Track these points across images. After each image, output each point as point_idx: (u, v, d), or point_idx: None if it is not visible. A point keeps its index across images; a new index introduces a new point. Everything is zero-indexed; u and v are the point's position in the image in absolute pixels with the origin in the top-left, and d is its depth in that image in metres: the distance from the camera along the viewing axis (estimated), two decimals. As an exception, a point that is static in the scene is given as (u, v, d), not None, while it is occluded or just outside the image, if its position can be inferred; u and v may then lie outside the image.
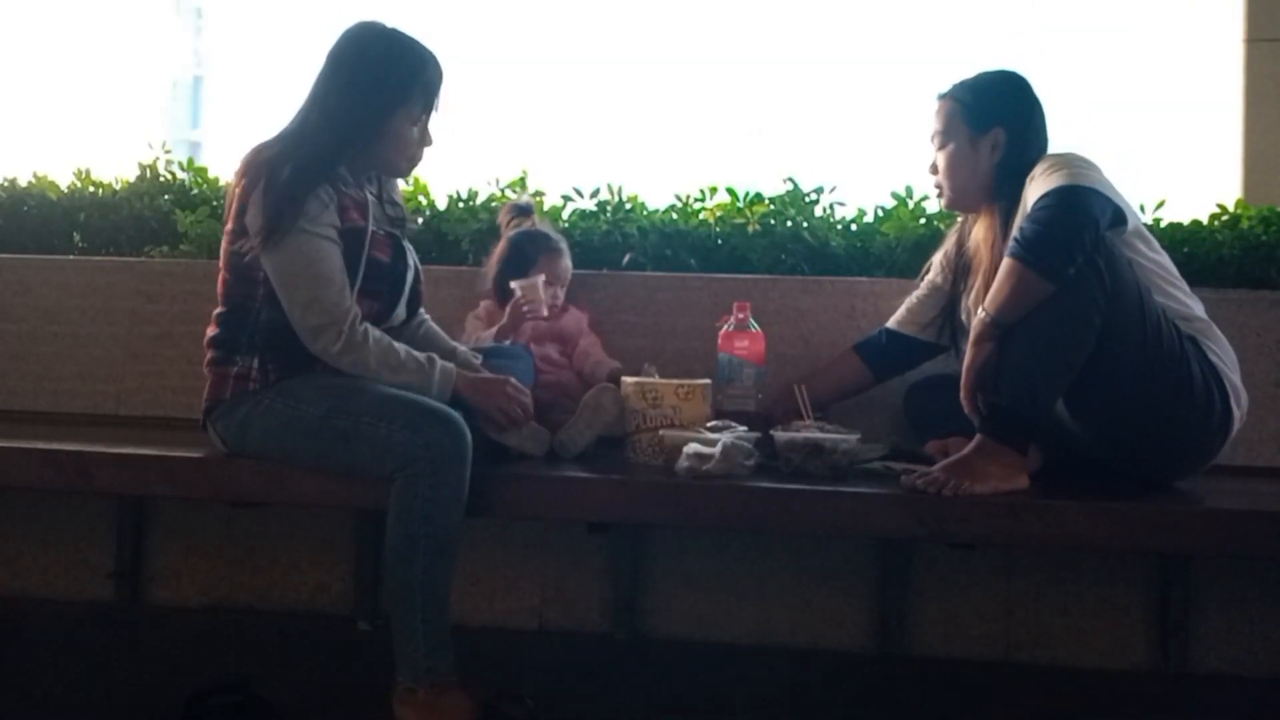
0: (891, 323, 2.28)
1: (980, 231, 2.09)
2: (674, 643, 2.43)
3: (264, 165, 1.87)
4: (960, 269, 2.17)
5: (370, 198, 1.98)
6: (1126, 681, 2.25)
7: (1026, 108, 2.07)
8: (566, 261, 2.40)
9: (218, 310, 1.97)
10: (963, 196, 2.11)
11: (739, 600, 2.44)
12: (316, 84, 1.95)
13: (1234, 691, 2.22)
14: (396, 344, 1.90)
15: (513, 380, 1.96)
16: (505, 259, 2.37)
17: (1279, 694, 2.22)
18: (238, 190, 1.91)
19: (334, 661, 2.24)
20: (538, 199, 2.76)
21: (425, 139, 2.00)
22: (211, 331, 1.96)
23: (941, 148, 2.11)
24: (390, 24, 1.98)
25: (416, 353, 1.91)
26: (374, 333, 1.88)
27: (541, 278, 2.25)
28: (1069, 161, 1.90)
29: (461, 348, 2.11)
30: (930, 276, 2.25)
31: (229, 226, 1.93)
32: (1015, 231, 1.86)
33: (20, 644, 2.31)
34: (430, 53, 1.98)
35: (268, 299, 1.90)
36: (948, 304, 2.20)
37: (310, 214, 1.85)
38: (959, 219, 2.25)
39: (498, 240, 2.44)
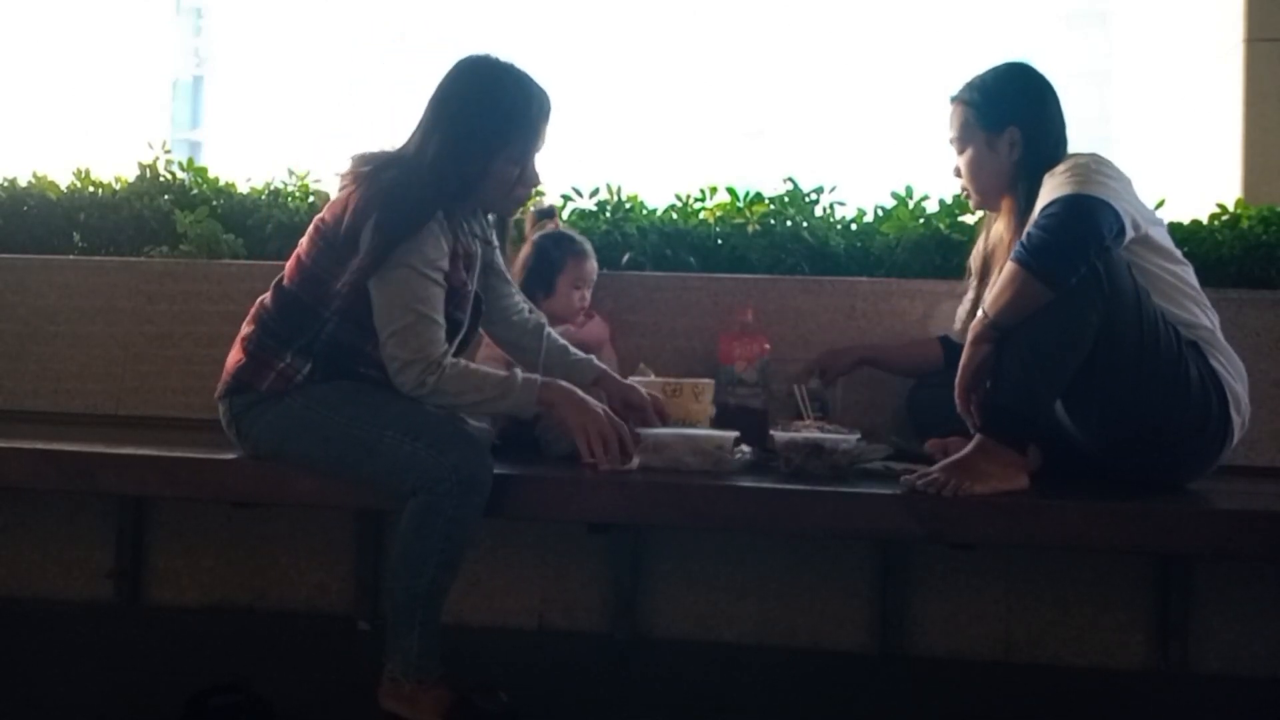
0: (954, 330, 2.28)
1: (1000, 227, 2.08)
2: (674, 643, 2.43)
3: (383, 191, 1.83)
4: (983, 265, 2.16)
5: (477, 249, 1.97)
6: (1126, 681, 2.25)
7: (1038, 100, 2.06)
8: (592, 263, 2.39)
9: (284, 293, 1.92)
10: (990, 197, 2.11)
11: (739, 600, 2.44)
12: (426, 115, 1.92)
13: (1234, 691, 2.22)
14: (471, 366, 1.88)
15: (610, 415, 1.88)
16: (531, 264, 2.36)
17: (1279, 694, 2.22)
18: (351, 202, 1.85)
19: (334, 661, 2.24)
20: (536, 198, 2.76)
21: (530, 178, 1.96)
22: (269, 313, 1.92)
23: (961, 152, 2.11)
24: (501, 58, 1.94)
25: (493, 371, 1.89)
26: (450, 367, 1.84)
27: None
28: (1086, 167, 1.88)
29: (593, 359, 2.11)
30: (971, 282, 2.23)
31: (330, 227, 1.87)
32: (1022, 236, 1.86)
33: (20, 644, 2.31)
34: (536, 91, 1.93)
35: (340, 315, 1.87)
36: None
37: (427, 255, 1.82)
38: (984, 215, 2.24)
39: (522, 246, 2.42)
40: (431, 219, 1.83)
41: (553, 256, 2.35)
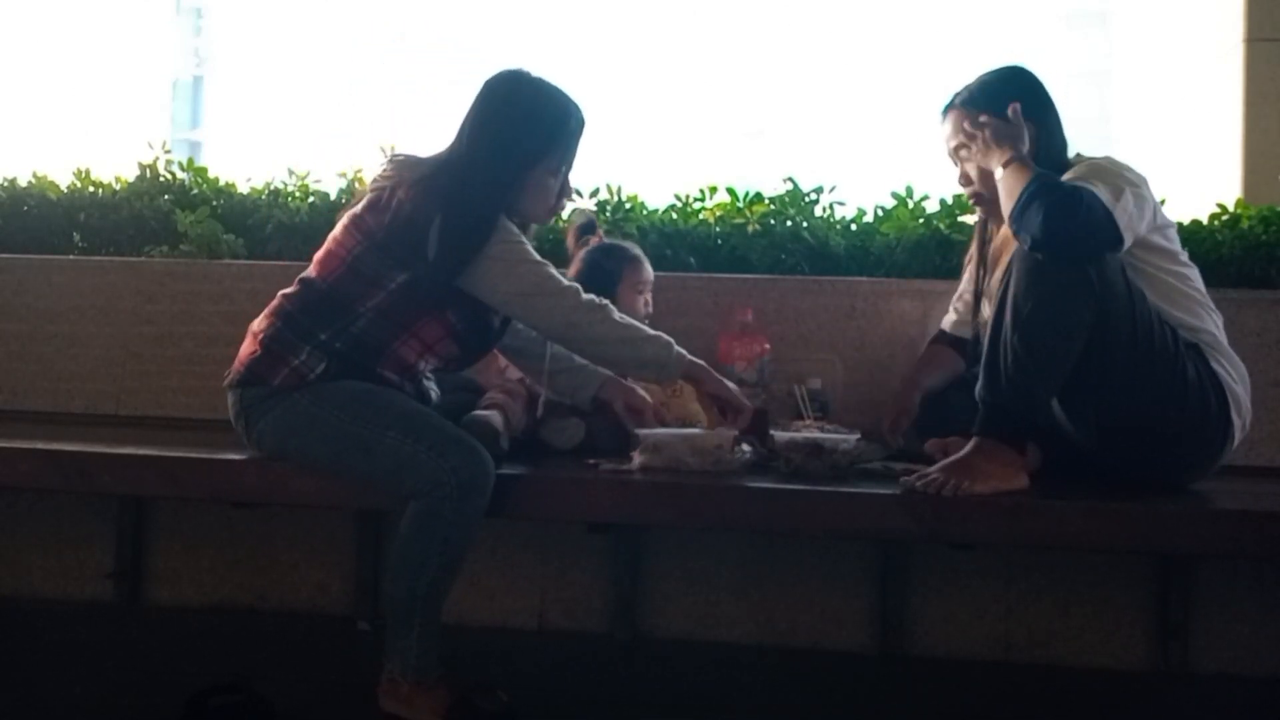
0: (945, 324, 2.28)
1: (1006, 229, 2.07)
2: (674, 643, 2.43)
3: (445, 199, 1.85)
4: (983, 267, 2.15)
5: None
6: (1126, 681, 2.25)
7: (1044, 98, 2.06)
8: (648, 266, 2.38)
9: (314, 286, 1.91)
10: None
11: (739, 600, 2.44)
12: (465, 129, 1.94)
13: (1234, 691, 2.22)
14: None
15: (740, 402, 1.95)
16: (583, 281, 2.26)
17: (1279, 694, 2.22)
18: (403, 206, 1.85)
19: (334, 661, 2.24)
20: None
21: (565, 190, 2.00)
22: (293, 305, 1.91)
23: (971, 158, 2.06)
24: (534, 73, 1.98)
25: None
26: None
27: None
28: (1115, 171, 1.87)
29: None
30: (965, 274, 2.24)
31: (373, 227, 1.88)
32: (1066, 179, 1.85)
33: (20, 644, 2.31)
34: (572, 105, 1.97)
35: (375, 311, 1.87)
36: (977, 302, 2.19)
37: (508, 235, 1.88)
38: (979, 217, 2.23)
39: (569, 263, 2.39)
40: (499, 217, 1.89)
41: (607, 268, 2.33)
